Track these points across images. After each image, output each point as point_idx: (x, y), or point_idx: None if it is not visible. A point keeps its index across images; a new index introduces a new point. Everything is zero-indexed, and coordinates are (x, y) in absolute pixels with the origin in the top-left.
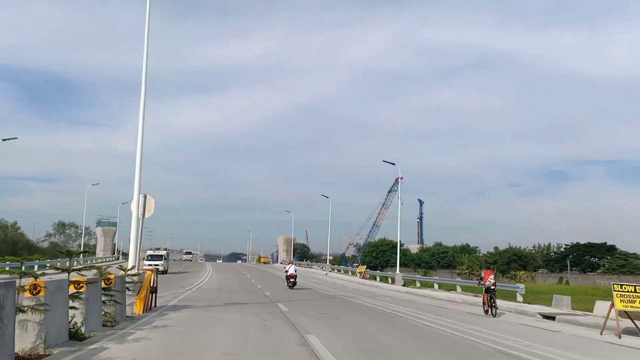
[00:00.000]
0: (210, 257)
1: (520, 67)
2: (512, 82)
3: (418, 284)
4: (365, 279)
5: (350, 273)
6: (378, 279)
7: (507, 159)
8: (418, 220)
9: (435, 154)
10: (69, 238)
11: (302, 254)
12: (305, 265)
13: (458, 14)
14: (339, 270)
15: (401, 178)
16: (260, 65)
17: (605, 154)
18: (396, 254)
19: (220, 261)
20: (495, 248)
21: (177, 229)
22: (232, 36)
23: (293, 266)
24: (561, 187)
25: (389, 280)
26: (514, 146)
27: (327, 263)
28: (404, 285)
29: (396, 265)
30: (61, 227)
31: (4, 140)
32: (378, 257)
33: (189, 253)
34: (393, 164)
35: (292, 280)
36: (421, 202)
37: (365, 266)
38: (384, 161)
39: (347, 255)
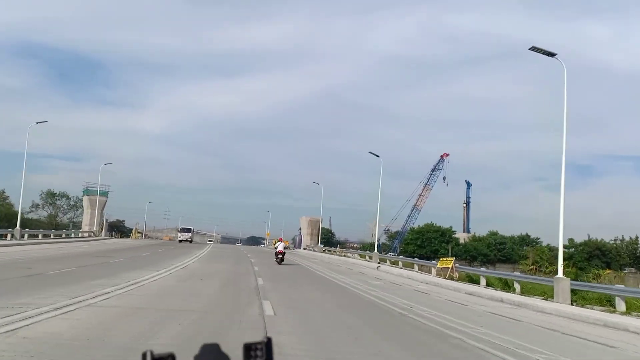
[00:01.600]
0: (227, 240)
1: (548, 57)
2: (539, 73)
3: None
4: (453, 279)
5: (417, 269)
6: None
7: (533, 152)
8: (464, 205)
9: (459, 143)
10: (58, 210)
11: (326, 239)
12: (339, 253)
13: (486, 1)
14: (393, 263)
15: (447, 155)
16: (283, 49)
17: (635, 149)
18: (446, 242)
19: (240, 244)
20: (571, 240)
21: (194, 210)
22: (256, 19)
23: (282, 244)
24: (587, 181)
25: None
26: (540, 139)
27: (375, 251)
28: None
29: (446, 255)
30: (50, 197)
31: (36, 123)
32: (423, 245)
33: (187, 230)
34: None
35: (279, 256)
36: (469, 184)
37: (453, 259)
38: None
39: (380, 242)
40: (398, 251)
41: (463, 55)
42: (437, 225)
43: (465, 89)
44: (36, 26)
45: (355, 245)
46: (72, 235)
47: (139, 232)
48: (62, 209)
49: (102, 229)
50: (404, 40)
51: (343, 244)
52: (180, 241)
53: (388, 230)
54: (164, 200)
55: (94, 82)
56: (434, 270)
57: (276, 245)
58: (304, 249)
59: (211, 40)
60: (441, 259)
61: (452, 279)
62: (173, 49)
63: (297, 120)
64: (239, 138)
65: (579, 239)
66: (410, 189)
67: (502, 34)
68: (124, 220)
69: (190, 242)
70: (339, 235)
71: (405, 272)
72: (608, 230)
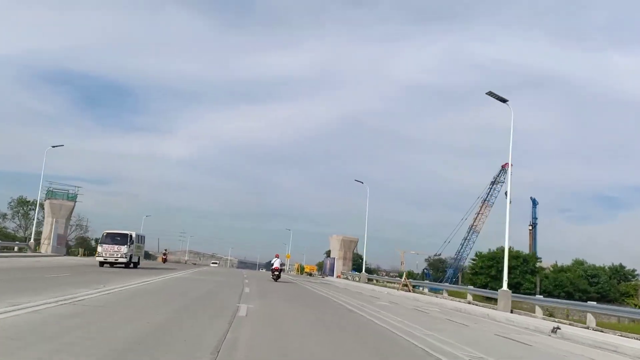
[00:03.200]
0: (245, 265)
1: (572, 87)
2: (563, 102)
3: None
4: None
5: None
6: None
7: (557, 182)
8: (530, 227)
9: (482, 172)
10: (29, 222)
11: (356, 265)
12: (403, 286)
13: (510, 31)
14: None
15: (510, 165)
16: (307, 76)
17: None
18: (530, 272)
19: (263, 270)
20: None
21: (214, 234)
22: (281, 47)
23: (279, 260)
24: (613, 213)
25: None
26: (564, 169)
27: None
28: None
29: (534, 291)
30: (21, 204)
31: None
32: (498, 276)
33: (117, 238)
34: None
35: (275, 273)
36: (534, 202)
37: None
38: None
39: (427, 271)
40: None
41: (487, 83)
42: (515, 250)
43: (489, 118)
44: (67, 53)
45: (391, 273)
46: None
47: None
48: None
49: (48, 243)
50: (427, 69)
51: (375, 272)
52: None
53: (430, 257)
54: (185, 223)
55: (122, 108)
56: None
57: (272, 262)
58: (338, 277)
59: (236, 67)
60: None
61: None
62: (199, 76)
63: (319, 146)
64: (261, 163)
65: None
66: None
67: (526, 63)
68: None
69: (124, 264)
70: (369, 261)
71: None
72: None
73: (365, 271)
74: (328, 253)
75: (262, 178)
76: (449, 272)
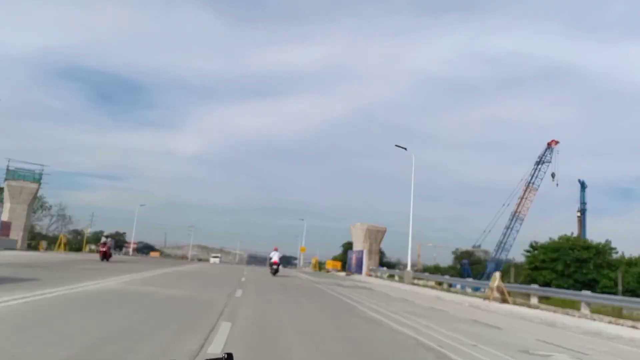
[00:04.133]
0: (256, 259)
1: (589, 80)
2: (579, 95)
3: None
4: None
5: None
6: None
7: (573, 175)
8: (579, 213)
9: (497, 166)
10: None
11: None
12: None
13: (526, 22)
14: None
15: (556, 142)
16: (320, 70)
17: None
18: (603, 266)
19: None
20: None
21: (226, 228)
22: (294, 41)
23: (277, 253)
24: (630, 206)
25: None
26: (580, 162)
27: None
28: None
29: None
30: None
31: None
32: (565, 271)
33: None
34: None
35: (274, 267)
36: (583, 186)
37: None
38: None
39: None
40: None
41: (502, 77)
42: (583, 239)
43: (504, 111)
44: (80, 50)
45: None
46: None
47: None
48: None
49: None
50: (441, 62)
51: (397, 266)
52: None
53: (457, 250)
54: (195, 218)
55: (135, 104)
56: None
57: (271, 256)
58: (369, 275)
59: (249, 62)
60: None
61: None
62: (211, 72)
63: (332, 140)
64: (273, 158)
65: None
66: (449, 212)
67: (542, 55)
68: (124, 233)
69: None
70: (388, 255)
71: None
72: None
73: (387, 265)
74: (346, 246)
75: (273, 173)
76: (490, 266)
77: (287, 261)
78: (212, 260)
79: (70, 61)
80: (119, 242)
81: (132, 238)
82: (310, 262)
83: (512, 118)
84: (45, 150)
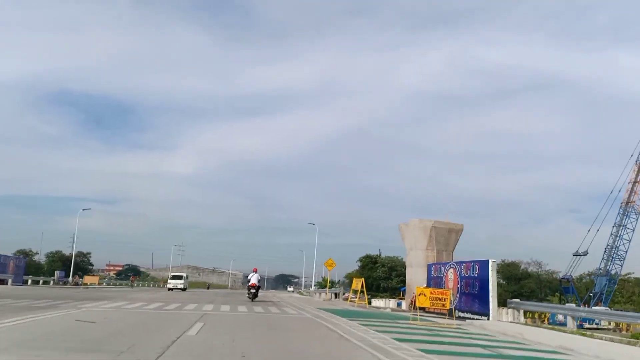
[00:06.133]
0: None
1: (580, 89)
2: (570, 104)
3: None
4: None
5: None
6: None
7: (565, 184)
8: None
9: (491, 177)
10: None
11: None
12: None
13: (514, 34)
14: None
15: None
16: (311, 88)
17: None
18: None
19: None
20: None
21: (222, 249)
22: (285, 60)
23: (256, 275)
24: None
25: None
26: (574, 170)
27: None
28: None
29: None
30: None
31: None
32: None
33: None
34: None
35: (252, 291)
36: None
37: None
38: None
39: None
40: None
41: (491, 88)
42: None
43: (495, 122)
44: (71, 74)
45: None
46: None
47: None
48: None
49: None
50: (431, 75)
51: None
52: None
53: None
54: (188, 239)
55: (127, 127)
56: None
57: (249, 278)
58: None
59: (240, 82)
60: None
61: None
62: (203, 92)
63: (326, 157)
64: (267, 177)
65: None
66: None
67: (530, 66)
68: (88, 253)
69: None
70: None
71: None
72: None
73: None
74: (364, 260)
75: (268, 192)
76: (601, 282)
77: (285, 281)
78: (170, 283)
79: (60, 86)
80: (79, 264)
81: (118, 260)
82: (320, 281)
83: (505, 128)
84: (36, 176)
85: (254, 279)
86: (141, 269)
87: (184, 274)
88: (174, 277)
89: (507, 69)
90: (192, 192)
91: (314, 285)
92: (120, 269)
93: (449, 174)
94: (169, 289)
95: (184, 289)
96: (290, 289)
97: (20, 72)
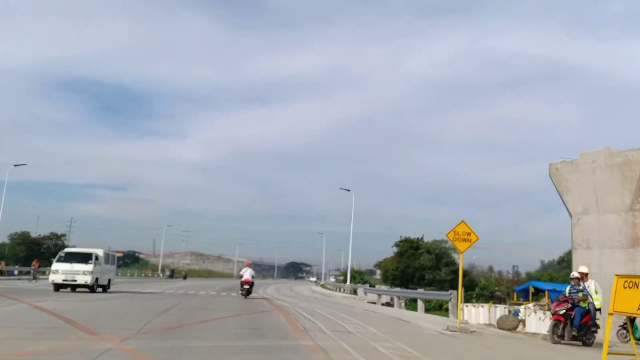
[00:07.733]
0: (259, 267)
1: (591, 78)
2: (581, 94)
3: None
4: None
5: None
6: None
7: None
8: None
9: (501, 167)
10: None
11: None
12: None
13: (524, 23)
14: None
15: None
16: (320, 76)
17: None
18: None
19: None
20: None
21: (230, 236)
22: (294, 48)
23: (249, 270)
24: None
25: None
26: None
27: None
28: None
29: None
30: None
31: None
32: None
33: None
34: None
35: (245, 287)
36: None
37: None
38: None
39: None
40: None
41: (502, 77)
42: None
43: (505, 112)
44: (82, 61)
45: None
46: None
47: None
48: None
49: None
50: (440, 64)
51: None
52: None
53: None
54: (196, 225)
55: (137, 114)
56: None
57: (241, 273)
58: None
59: (249, 69)
60: None
61: None
62: (212, 80)
63: (334, 146)
64: (276, 165)
65: None
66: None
67: (541, 55)
68: (62, 235)
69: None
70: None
71: None
72: None
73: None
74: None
75: (276, 180)
76: None
77: (296, 269)
78: (59, 272)
79: (70, 73)
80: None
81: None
82: (337, 273)
83: (514, 118)
84: (47, 163)
85: (247, 274)
86: (141, 255)
87: (101, 252)
88: (68, 259)
89: (518, 58)
90: (201, 179)
91: (331, 276)
92: (121, 255)
93: (457, 164)
94: (56, 286)
95: (91, 287)
96: (312, 279)
97: (31, 60)
